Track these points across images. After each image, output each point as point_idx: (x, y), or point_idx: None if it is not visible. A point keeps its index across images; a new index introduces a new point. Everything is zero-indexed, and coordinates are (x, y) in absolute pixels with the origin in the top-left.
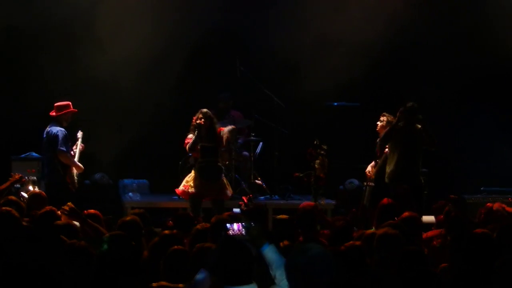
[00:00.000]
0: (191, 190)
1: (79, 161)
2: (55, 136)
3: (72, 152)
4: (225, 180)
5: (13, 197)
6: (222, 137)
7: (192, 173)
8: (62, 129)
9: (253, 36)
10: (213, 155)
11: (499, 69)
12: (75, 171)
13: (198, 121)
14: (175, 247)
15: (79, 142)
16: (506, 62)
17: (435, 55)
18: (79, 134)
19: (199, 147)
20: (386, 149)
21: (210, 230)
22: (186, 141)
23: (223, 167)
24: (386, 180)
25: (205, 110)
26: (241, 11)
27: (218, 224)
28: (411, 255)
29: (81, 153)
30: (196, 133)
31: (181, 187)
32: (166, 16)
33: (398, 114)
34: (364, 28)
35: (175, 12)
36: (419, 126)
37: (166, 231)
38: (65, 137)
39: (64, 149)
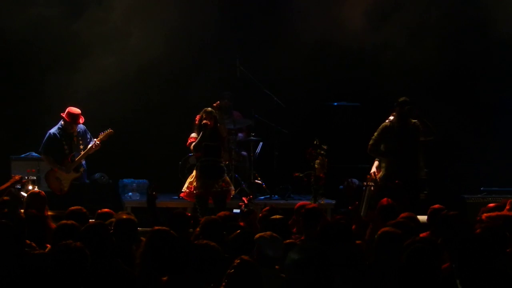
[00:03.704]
0: (197, 191)
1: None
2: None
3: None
4: (227, 179)
5: (7, 198)
6: (225, 136)
7: (194, 173)
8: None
9: (253, 35)
10: (216, 155)
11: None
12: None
13: (204, 121)
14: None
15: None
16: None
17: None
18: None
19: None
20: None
21: (201, 229)
22: (189, 140)
23: (225, 167)
24: (384, 178)
25: (209, 109)
26: (242, 10)
27: (209, 224)
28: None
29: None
30: (201, 133)
31: (185, 189)
32: (166, 16)
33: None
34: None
35: (174, 12)
36: (414, 120)
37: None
38: (49, 139)
39: (42, 151)
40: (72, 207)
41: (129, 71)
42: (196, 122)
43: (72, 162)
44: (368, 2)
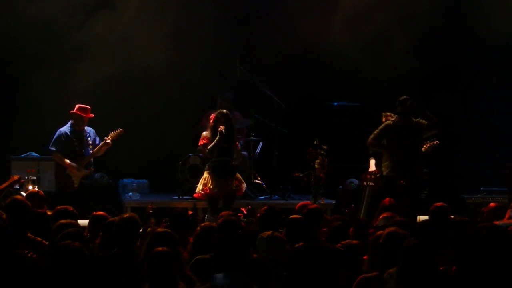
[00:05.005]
0: (211, 191)
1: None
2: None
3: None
4: (239, 176)
5: (19, 197)
6: (238, 139)
7: (205, 175)
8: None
9: (253, 34)
10: (228, 155)
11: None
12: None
13: (220, 128)
14: (159, 248)
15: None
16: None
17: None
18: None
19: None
20: None
21: (218, 228)
22: (201, 142)
23: (236, 166)
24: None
25: (224, 111)
26: (242, 10)
27: (226, 224)
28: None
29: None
30: (217, 138)
31: (199, 191)
32: (166, 17)
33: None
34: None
35: (174, 13)
36: (416, 119)
37: (159, 229)
38: (60, 137)
39: (53, 149)
40: (58, 207)
41: (128, 72)
42: (211, 122)
43: (83, 159)
44: (362, 3)
